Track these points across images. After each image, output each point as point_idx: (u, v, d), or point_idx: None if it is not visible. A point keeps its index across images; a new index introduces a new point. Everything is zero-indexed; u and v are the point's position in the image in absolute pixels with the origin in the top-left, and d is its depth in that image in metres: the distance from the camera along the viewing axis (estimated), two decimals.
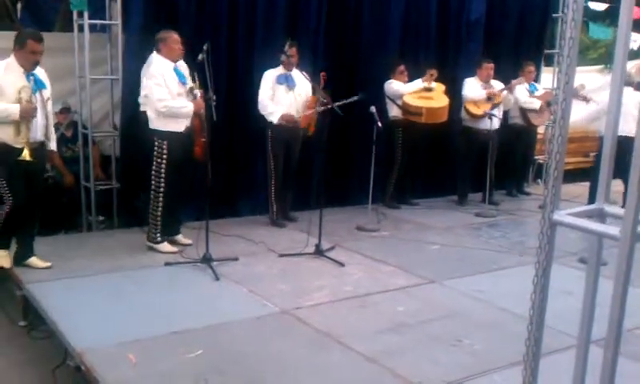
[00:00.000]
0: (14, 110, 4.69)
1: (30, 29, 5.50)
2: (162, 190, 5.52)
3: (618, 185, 2.49)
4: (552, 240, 2.40)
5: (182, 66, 5.55)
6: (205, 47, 5.23)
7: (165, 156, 5.45)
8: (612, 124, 2.44)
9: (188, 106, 5.45)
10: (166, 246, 5.65)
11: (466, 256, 5.97)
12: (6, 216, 4.91)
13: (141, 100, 5.51)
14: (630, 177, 2.08)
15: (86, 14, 6.11)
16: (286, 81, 6.42)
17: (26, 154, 4.78)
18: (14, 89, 4.71)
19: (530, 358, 2.41)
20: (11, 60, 4.78)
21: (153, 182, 5.54)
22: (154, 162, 5.49)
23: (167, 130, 5.43)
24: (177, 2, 6.39)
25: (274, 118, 6.33)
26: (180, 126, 5.45)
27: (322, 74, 6.41)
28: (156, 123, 5.45)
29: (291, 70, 6.42)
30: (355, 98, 6.00)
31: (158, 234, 5.64)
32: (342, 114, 5.75)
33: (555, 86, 9.28)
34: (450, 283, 5.16)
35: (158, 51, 5.46)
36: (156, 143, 5.45)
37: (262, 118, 6.39)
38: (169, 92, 5.37)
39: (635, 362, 3.47)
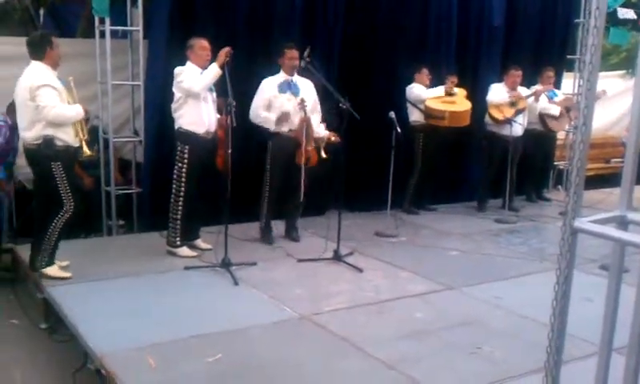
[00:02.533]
0: (80, 109, 4.89)
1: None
2: (182, 194, 5.56)
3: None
4: (573, 247, 2.38)
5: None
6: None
7: (186, 160, 5.49)
8: (635, 130, 2.41)
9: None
10: (185, 251, 5.68)
11: (485, 262, 5.94)
12: (63, 224, 4.92)
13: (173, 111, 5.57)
14: None
15: (107, 21, 6.19)
16: (289, 88, 6.08)
17: (86, 150, 4.96)
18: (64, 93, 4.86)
19: (551, 366, 2.38)
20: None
21: (174, 186, 5.59)
22: (176, 166, 5.55)
23: (190, 130, 5.45)
24: (197, 8, 6.44)
25: (271, 124, 5.99)
26: (200, 128, 5.47)
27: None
28: (179, 124, 5.50)
29: (293, 75, 6.12)
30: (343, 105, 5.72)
31: (178, 239, 5.67)
32: (358, 118, 5.73)
33: (576, 91, 9.23)
34: (468, 290, 5.13)
35: (188, 58, 5.52)
36: (179, 147, 5.53)
37: (263, 129, 6.14)
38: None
39: None
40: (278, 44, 6.40)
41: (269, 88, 6.03)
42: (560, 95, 8.65)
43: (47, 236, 4.90)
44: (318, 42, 7.04)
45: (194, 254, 5.68)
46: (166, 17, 6.32)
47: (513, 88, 7.89)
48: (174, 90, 5.49)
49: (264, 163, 6.13)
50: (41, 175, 4.98)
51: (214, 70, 5.35)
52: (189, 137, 5.48)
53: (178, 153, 5.52)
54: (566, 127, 8.81)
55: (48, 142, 4.75)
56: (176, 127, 5.56)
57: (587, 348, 3.70)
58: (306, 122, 6.00)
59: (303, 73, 6.08)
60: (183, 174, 5.53)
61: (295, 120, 6.03)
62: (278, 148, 6.04)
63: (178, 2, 6.34)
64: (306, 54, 5.85)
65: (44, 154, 4.77)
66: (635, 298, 2.10)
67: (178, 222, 5.64)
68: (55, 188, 4.83)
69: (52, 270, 4.94)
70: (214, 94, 5.64)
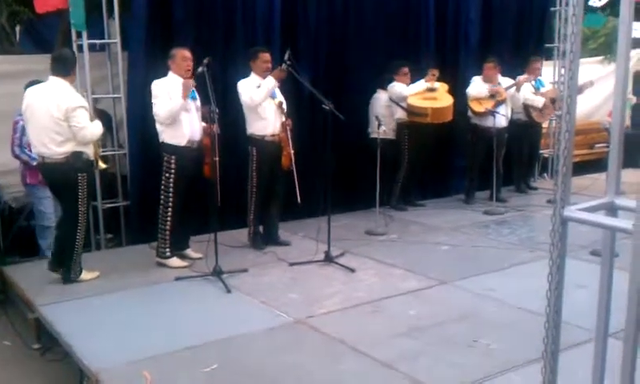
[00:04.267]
0: (101, 125, 5.24)
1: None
2: (170, 204, 5.54)
3: (627, 176, 2.47)
4: (564, 236, 2.39)
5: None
6: (205, 61, 5.28)
7: (173, 171, 5.48)
8: (618, 116, 2.42)
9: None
10: (175, 261, 5.65)
11: (476, 255, 5.96)
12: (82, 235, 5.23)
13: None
14: None
15: (84, 34, 6.14)
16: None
17: (101, 164, 5.37)
18: None
19: (548, 356, 2.39)
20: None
21: (162, 197, 5.56)
22: (163, 177, 5.53)
23: (173, 143, 5.46)
24: (174, 18, 6.40)
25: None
26: (181, 140, 5.46)
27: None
28: (163, 137, 5.51)
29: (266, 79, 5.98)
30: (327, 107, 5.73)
31: (168, 250, 5.64)
32: (343, 119, 5.73)
33: (556, 79, 9.30)
34: (461, 284, 5.14)
35: (169, 68, 5.53)
36: (165, 158, 5.51)
37: (246, 136, 6.10)
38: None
39: None
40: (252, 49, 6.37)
41: (250, 87, 5.92)
42: (547, 85, 8.70)
43: (76, 249, 5.18)
44: (300, 44, 7.03)
45: (185, 264, 5.65)
46: (143, 27, 6.28)
47: (491, 80, 7.91)
48: (153, 101, 5.45)
49: (248, 169, 6.09)
50: (64, 188, 5.12)
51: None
52: (173, 148, 5.48)
53: (165, 163, 5.51)
54: (550, 117, 8.86)
55: (77, 154, 5.03)
56: (160, 140, 5.54)
57: (582, 334, 3.71)
58: (288, 125, 6.02)
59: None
60: (170, 185, 5.51)
61: (277, 124, 6.01)
62: (262, 153, 6.00)
63: (155, 12, 6.29)
64: (286, 56, 5.84)
65: (72, 166, 5.01)
66: (629, 283, 2.10)
67: (167, 232, 5.61)
68: (75, 200, 5.06)
69: (85, 275, 5.29)
70: (198, 102, 5.62)
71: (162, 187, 5.54)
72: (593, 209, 2.43)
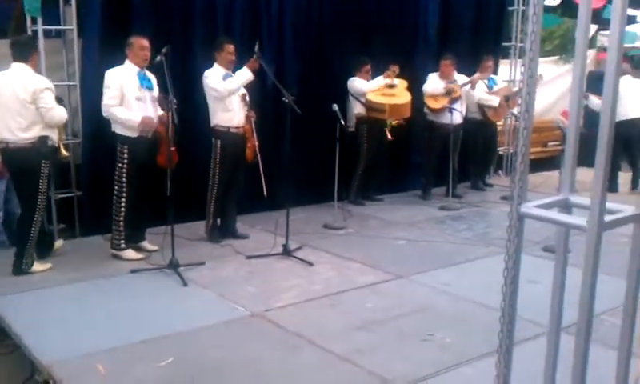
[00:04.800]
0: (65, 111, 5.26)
1: None
2: (124, 195, 5.46)
3: (581, 174, 2.54)
4: (521, 232, 2.43)
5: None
6: (164, 50, 5.20)
7: (125, 161, 5.40)
8: (575, 115, 2.48)
9: (133, 119, 5.33)
10: (130, 253, 5.56)
11: (432, 250, 6.03)
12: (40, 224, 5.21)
13: None
14: (595, 168, 2.12)
15: (39, 20, 5.97)
16: None
17: (63, 152, 5.44)
18: None
19: (503, 350, 2.43)
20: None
21: (115, 187, 5.48)
22: (116, 167, 5.45)
23: (126, 134, 5.40)
24: (132, 5, 6.28)
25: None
26: (134, 131, 5.38)
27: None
28: (114, 127, 5.44)
29: (231, 70, 5.96)
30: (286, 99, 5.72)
31: (122, 241, 5.55)
32: (299, 113, 5.72)
33: (512, 77, 9.46)
34: (417, 278, 5.20)
35: (127, 57, 5.44)
36: (117, 147, 5.43)
37: (210, 127, 6.04)
38: (121, 97, 5.32)
39: (602, 347, 3.54)
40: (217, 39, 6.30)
41: (218, 77, 5.87)
42: (500, 83, 8.84)
43: (30, 239, 5.10)
44: (263, 36, 6.98)
45: (140, 256, 5.57)
46: (99, 14, 6.14)
47: (446, 77, 8.00)
48: (104, 91, 5.36)
49: (209, 161, 6.03)
50: (27, 173, 5.04)
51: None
52: (126, 138, 5.40)
53: (118, 153, 5.43)
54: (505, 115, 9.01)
55: (44, 140, 5.01)
56: (112, 129, 5.46)
57: (534, 329, 3.80)
58: (252, 117, 5.99)
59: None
60: (124, 175, 5.43)
61: (241, 116, 5.98)
62: (225, 145, 5.95)
63: None
64: (256, 48, 5.81)
65: (38, 151, 4.98)
66: (582, 279, 2.15)
67: (122, 224, 5.52)
68: (36, 188, 5.01)
69: (37, 266, 5.19)
70: (154, 92, 5.54)
71: (116, 178, 5.46)
72: (548, 206, 2.48)
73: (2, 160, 5.19)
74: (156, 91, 5.56)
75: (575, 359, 2.19)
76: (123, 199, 5.46)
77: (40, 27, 5.97)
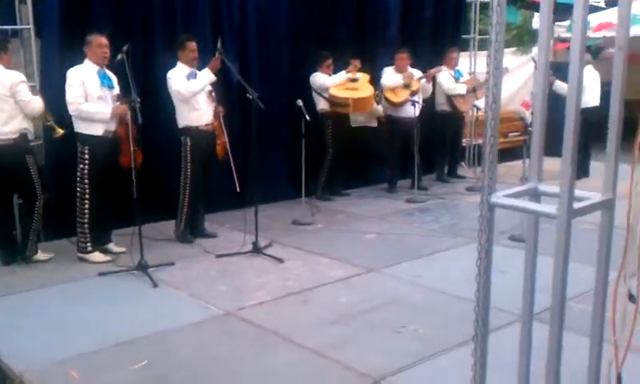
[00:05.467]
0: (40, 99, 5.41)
1: None
2: (87, 196, 5.40)
3: (546, 164, 2.59)
4: (491, 222, 2.46)
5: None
6: (125, 48, 5.13)
7: (87, 161, 5.36)
8: (540, 104, 2.52)
9: (104, 111, 5.32)
10: (97, 256, 5.49)
11: (401, 242, 6.08)
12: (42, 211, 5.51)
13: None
14: (563, 156, 2.17)
15: None
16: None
17: (58, 130, 5.42)
18: None
19: (478, 340, 2.47)
20: None
21: (78, 189, 5.42)
22: (78, 168, 5.40)
23: (88, 133, 5.35)
24: (91, 3, 6.18)
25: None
26: (98, 129, 5.33)
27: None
28: (77, 127, 5.38)
29: (194, 67, 5.92)
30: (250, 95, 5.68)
31: (89, 244, 5.47)
32: (263, 108, 5.70)
33: (473, 70, 9.58)
34: (388, 271, 5.24)
35: (85, 55, 5.39)
36: (79, 148, 5.38)
37: (179, 128, 5.99)
38: (85, 95, 5.29)
39: (573, 333, 3.62)
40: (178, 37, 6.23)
41: (181, 77, 5.82)
42: (465, 75, 8.94)
43: (33, 226, 5.41)
44: (224, 33, 6.92)
45: (108, 258, 5.51)
46: (57, 13, 6.01)
47: (402, 71, 8.05)
48: (67, 89, 5.30)
49: (179, 160, 5.97)
50: (15, 169, 5.28)
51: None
52: (88, 138, 5.34)
53: (79, 154, 5.38)
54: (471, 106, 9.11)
55: (24, 135, 5.25)
56: (74, 129, 5.40)
57: (505, 317, 3.85)
58: (220, 113, 5.98)
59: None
60: (86, 176, 5.38)
61: (209, 113, 5.95)
62: (195, 143, 5.91)
63: None
64: (219, 45, 5.77)
65: (20, 147, 5.23)
66: (554, 267, 2.20)
67: (87, 225, 5.45)
68: (30, 179, 5.31)
69: (41, 255, 5.48)
70: (115, 91, 5.47)
71: (78, 179, 5.41)
72: (517, 195, 2.53)
73: None
74: (117, 90, 5.50)
75: (549, 346, 2.23)
76: (86, 201, 5.40)
77: None
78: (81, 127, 5.36)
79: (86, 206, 5.41)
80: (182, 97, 5.77)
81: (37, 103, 5.25)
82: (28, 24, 6.06)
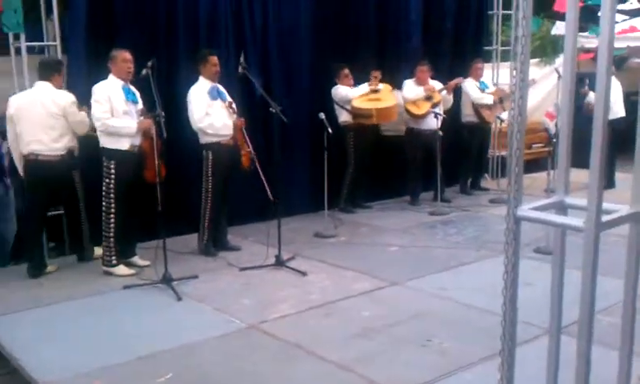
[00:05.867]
0: None
1: None
2: (112, 210, 5.43)
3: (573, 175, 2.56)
4: (518, 235, 2.45)
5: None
6: (150, 63, 5.19)
7: (113, 176, 5.39)
8: (567, 116, 2.50)
9: (130, 125, 5.38)
10: (122, 269, 5.53)
11: (425, 255, 6.04)
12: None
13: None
14: (590, 168, 2.14)
15: (22, 36, 5.93)
16: (219, 95, 5.96)
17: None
18: None
19: (505, 354, 2.44)
20: None
21: (104, 203, 5.46)
22: (104, 183, 5.44)
23: (115, 148, 5.39)
24: (115, 19, 6.27)
25: (217, 130, 5.84)
26: (124, 144, 5.38)
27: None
28: (103, 142, 5.43)
29: (215, 82, 5.97)
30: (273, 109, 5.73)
31: (114, 257, 5.52)
32: (287, 121, 5.72)
33: (496, 81, 9.53)
34: (412, 284, 5.21)
35: (110, 70, 5.45)
36: (104, 163, 5.42)
37: (199, 139, 6.00)
38: (111, 110, 5.33)
39: (602, 347, 3.57)
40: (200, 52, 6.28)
41: (203, 95, 5.86)
42: (490, 87, 8.90)
43: (83, 230, 5.87)
44: (247, 47, 6.99)
45: (132, 272, 5.54)
46: (83, 29, 6.12)
47: (422, 83, 8.02)
48: (92, 105, 5.37)
49: (201, 174, 6.01)
50: (63, 183, 5.62)
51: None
52: (114, 153, 5.38)
53: (105, 169, 5.42)
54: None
55: (71, 152, 5.61)
56: (100, 144, 5.45)
57: (532, 330, 3.81)
58: (242, 125, 6.00)
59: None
60: (112, 191, 5.41)
61: (229, 125, 5.96)
62: (217, 157, 5.93)
63: (95, 13, 6.15)
64: (242, 60, 5.81)
65: (67, 163, 5.54)
66: (582, 280, 2.17)
67: (112, 239, 5.48)
68: (75, 192, 5.73)
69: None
70: (139, 106, 5.53)
71: (103, 193, 5.44)
72: (544, 208, 2.50)
73: (27, 171, 5.51)
74: (140, 104, 5.57)
75: (578, 360, 2.20)
76: (112, 215, 5.44)
77: (23, 44, 5.93)
78: (107, 142, 5.41)
79: (112, 220, 5.45)
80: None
81: (87, 123, 5.55)
82: (55, 40, 6.18)
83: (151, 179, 5.43)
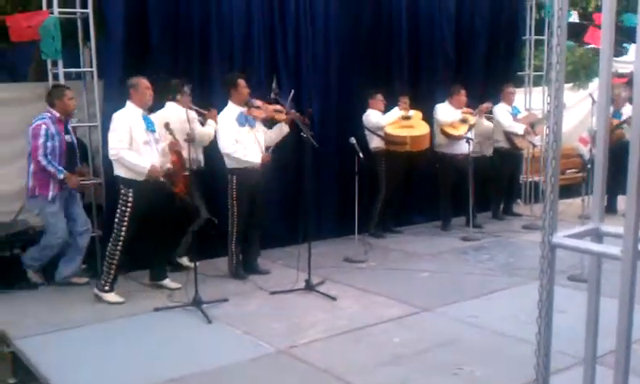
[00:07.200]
0: None
1: None
2: (121, 239, 5.37)
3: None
4: (553, 263, 2.41)
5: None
6: (187, 89, 5.25)
7: (129, 204, 5.34)
8: (602, 142, 2.46)
9: (143, 166, 5.31)
10: (112, 296, 5.43)
11: (456, 281, 5.97)
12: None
13: None
14: (627, 195, 2.10)
15: (60, 62, 6.08)
16: (247, 121, 5.99)
17: None
18: None
19: (540, 383, 2.40)
20: None
21: (114, 230, 5.41)
22: (118, 210, 5.39)
23: (130, 177, 5.37)
24: (151, 44, 6.39)
25: (242, 155, 5.86)
26: (140, 175, 5.33)
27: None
28: (117, 170, 5.42)
29: (244, 107, 6.01)
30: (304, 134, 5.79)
31: (108, 284, 5.43)
32: (317, 147, 5.74)
33: (528, 106, 9.45)
34: (443, 310, 5.14)
35: (130, 98, 5.45)
36: (122, 190, 5.39)
37: (224, 164, 6.06)
38: (130, 141, 5.31)
39: (637, 378, 3.47)
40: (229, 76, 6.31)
41: (231, 122, 5.92)
42: (523, 111, 8.83)
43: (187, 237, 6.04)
44: (280, 71, 7.06)
45: (122, 300, 5.43)
46: (119, 55, 6.24)
47: (459, 107, 8.02)
48: (110, 134, 5.37)
49: (227, 197, 6.05)
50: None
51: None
52: (131, 182, 5.37)
53: (122, 196, 5.38)
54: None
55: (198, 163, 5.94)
56: (115, 173, 5.45)
57: (566, 360, 3.73)
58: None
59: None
60: (125, 220, 5.35)
61: (256, 151, 5.98)
62: (242, 181, 5.94)
63: (130, 39, 6.27)
64: (274, 85, 5.88)
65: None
66: (619, 309, 2.12)
67: (114, 267, 5.41)
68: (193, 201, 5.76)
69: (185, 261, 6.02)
70: (157, 135, 5.54)
71: (116, 220, 5.39)
72: (579, 235, 2.46)
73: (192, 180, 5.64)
74: (157, 133, 5.56)
75: None
76: (119, 243, 5.37)
77: (61, 70, 6.08)
78: (121, 171, 5.37)
79: (119, 248, 5.38)
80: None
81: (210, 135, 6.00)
82: (91, 66, 6.32)
83: (183, 194, 5.47)
